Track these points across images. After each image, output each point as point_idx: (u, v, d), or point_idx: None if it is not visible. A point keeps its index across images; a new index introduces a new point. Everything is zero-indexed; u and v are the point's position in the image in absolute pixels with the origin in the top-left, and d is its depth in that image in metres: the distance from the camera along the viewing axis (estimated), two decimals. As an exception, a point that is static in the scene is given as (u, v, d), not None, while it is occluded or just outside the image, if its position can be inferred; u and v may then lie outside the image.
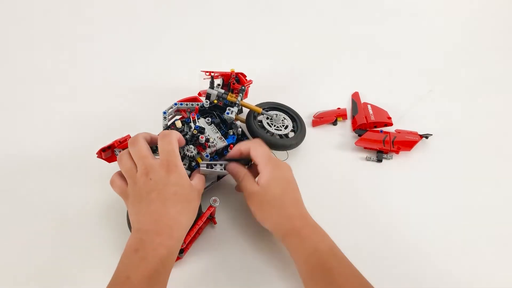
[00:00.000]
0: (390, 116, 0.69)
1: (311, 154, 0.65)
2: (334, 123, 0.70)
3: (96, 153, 0.53)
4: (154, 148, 0.50)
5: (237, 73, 0.65)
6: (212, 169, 0.52)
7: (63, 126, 0.68)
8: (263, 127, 0.62)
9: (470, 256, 0.53)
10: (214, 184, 0.57)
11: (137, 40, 0.88)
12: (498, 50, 0.89)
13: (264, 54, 0.87)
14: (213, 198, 0.50)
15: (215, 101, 0.60)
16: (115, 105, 0.72)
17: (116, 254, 0.47)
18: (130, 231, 0.49)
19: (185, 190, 0.45)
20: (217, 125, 0.59)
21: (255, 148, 0.51)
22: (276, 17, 0.97)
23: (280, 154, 0.63)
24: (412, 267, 0.51)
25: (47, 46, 0.85)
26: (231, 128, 0.59)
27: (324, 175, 0.62)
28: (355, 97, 0.75)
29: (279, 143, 0.60)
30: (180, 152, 0.53)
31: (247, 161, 0.56)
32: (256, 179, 0.51)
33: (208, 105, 0.60)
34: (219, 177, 0.57)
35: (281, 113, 0.65)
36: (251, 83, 0.66)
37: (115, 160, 0.54)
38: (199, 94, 0.68)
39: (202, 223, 0.49)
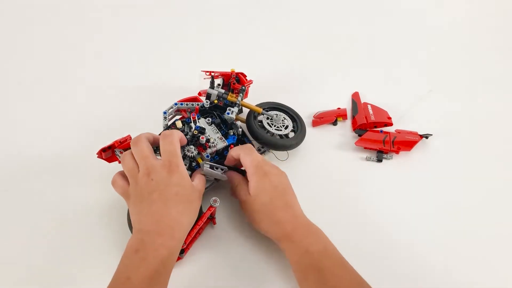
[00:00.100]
0: (390, 116, 0.69)
1: (311, 154, 0.65)
2: (334, 123, 0.70)
3: (97, 153, 0.53)
4: (154, 149, 0.50)
5: (237, 73, 0.65)
6: (215, 171, 0.52)
7: (63, 126, 0.68)
8: (263, 127, 0.62)
9: (470, 256, 0.53)
10: (213, 184, 0.57)
11: (137, 40, 0.88)
12: (498, 50, 0.89)
13: (264, 54, 0.86)
14: (214, 198, 0.50)
15: (216, 101, 0.60)
16: (115, 105, 0.72)
17: (116, 254, 0.47)
18: (131, 231, 0.49)
19: (187, 190, 0.45)
20: (217, 125, 0.59)
21: (244, 156, 0.51)
22: (276, 17, 0.97)
23: (280, 154, 0.63)
24: (412, 267, 0.51)
25: (47, 46, 0.85)
26: (232, 128, 0.59)
27: (324, 175, 0.62)
28: (355, 97, 0.75)
29: (279, 143, 0.60)
30: (180, 152, 0.54)
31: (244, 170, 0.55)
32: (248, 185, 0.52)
33: (208, 105, 0.60)
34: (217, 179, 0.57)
35: (281, 113, 0.65)
36: (251, 83, 0.66)
37: (116, 160, 0.54)
38: (199, 94, 0.68)
39: (202, 223, 0.49)
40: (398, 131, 0.67)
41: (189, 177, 0.47)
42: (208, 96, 0.61)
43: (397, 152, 0.65)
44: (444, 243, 0.54)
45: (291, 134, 0.63)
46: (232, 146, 0.56)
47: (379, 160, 0.64)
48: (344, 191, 0.60)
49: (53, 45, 0.85)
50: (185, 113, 0.62)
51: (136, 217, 0.44)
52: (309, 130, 0.67)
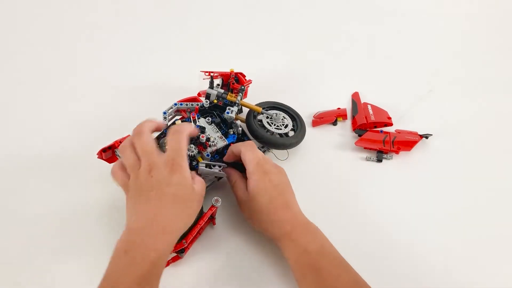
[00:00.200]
0: (390, 116, 0.70)
1: (311, 154, 0.65)
2: (334, 123, 0.70)
3: (97, 154, 0.53)
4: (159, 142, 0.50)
5: (236, 73, 0.65)
6: (211, 170, 0.51)
7: (63, 126, 0.67)
8: (263, 126, 0.62)
9: (470, 256, 0.53)
10: (214, 183, 0.57)
11: (137, 40, 0.88)
12: (498, 50, 0.89)
13: (264, 54, 0.87)
14: (215, 198, 0.50)
15: (215, 101, 0.60)
16: (115, 105, 0.72)
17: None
18: None
19: (186, 192, 0.44)
20: (217, 125, 0.59)
21: (245, 152, 0.51)
22: (276, 17, 0.97)
23: (280, 154, 0.63)
24: (411, 267, 0.51)
25: (47, 46, 0.85)
26: (231, 128, 0.59)
27: (324, 175, 0.62)
28: (355, 97, 0.75)
29: (279, 142, 0.60)
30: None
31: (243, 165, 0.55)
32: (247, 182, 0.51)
33: (208, 105, 0.60)
34: (218, 178, 0.57)
35: (280, 112, 0.65)
36: (251, 82, 0.66)
37: (116, 160, 0.54)
38: (199, 94, 0.68)
39: (203, 223, 0.49)
40: (398, 131, 0.67)
41: (191, 179, 0.45)
42: (208, 96, 0.61)
43: (397, 152, 0.65)
44: (444, 243, 0.54)
45: (291, 133, 0.63)
46: (232, 145, 0.56)
47: (379, 160, 0.64)
48: (344, 191, 0.60)
49: (53, 45, 0.85)
50: (185, 113, 0.62)
51: (131, 212, 0.43)
52: (309, 130, 0.67)
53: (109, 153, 0.54)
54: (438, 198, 0.60)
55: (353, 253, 0.46)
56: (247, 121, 0.62)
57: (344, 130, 0.70)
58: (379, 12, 0.99)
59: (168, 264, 0.49)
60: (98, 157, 0.53)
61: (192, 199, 0.44)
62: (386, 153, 0.65)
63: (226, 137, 0.57)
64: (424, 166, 0.64)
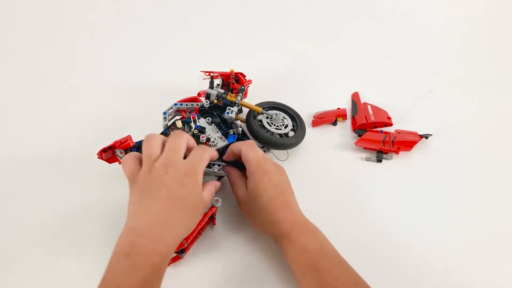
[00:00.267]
0: (390, 116, 0.70)
1: (311, 154, 0.65)
2: (334, 123, 0.70)
3: (97, 154, 0.53)
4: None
5: (236, 73, 0.65)
6: (210, 169, 0.52)
7: (63, 126, 0.68)
8: (263, 126, 0.62)
9: (470, 256, 0.53)
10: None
11: (137, 40, 0.88)
12: (498, 50, 0.89)
13: (264, 54, 0.87)
14: (215, 198, 0.49)
15: (215, 101, 0.60)
16: (115, 105, 0.72)
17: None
18: None
19: (195, 199, 0.43)
20: (217, 125, 0.59)
21: (245, 151, 0.50)
22: (276, 17, 0.97)
23: (280, 154, 0.63)
24: (411, 267, 0.51)
25: (47, 46, 0.85)
26: (232, 128, 0.59)
27: (324, 175, 0.62)
28: (355, 97, 0.75)
29: (279, 142, 0.60)
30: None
31: (242, 163, 0.55)
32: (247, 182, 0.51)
33: (208, 105, 0.60)
34: (219, 177, 0.57)
35: (280, 113, 0.65)
36: (251, 82, 0.66)
37: (116, 160, 0.54)
38: (199, 94, 0.68)
39: (203, 223, 0.49)
40: (398, 131, 0.67)
41: (201, 189, 0.44)
42: (208, 96, 0.61)
43: (397, 152, 0.65)
44: (444, 243, 0.54)
45: (291, 133, 0.63)
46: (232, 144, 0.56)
47: (379, 160, 0.64)
48: (344, 191, 0.60)
49: (53, 45, 0.85)
50: (185, 113, 0.62)
51: (135, 209, 0.41)
52: (309, 130, 0.67)
53: (109, 153, 0.54)
54: (438, 198, 0.60)
55: (353, 253, 0.46)
56: (247, 121, 0.62)
57: (344, 130, 0.70)
58: (379, 12, 0.99)
59: (168, 264, 0.49)
60: (98, 157, 0.53)
61: (199, 208, 0.44)
62: (386, 153, 0.65)
63: (226, 137, 0.57)
64: (424, 166, 0.64)
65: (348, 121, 0.71)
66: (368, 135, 0.66)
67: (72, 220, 0.54)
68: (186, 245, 0.47)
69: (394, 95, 0.76)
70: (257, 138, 0.60)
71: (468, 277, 0.51)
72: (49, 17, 0.92)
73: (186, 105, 0.61)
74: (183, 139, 0.45)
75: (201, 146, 0.47)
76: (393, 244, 0.54)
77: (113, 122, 0.68)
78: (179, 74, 0.78)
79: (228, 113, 0.58)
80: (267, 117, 0.63)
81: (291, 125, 0.64)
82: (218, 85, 0.64)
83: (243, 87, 0.62)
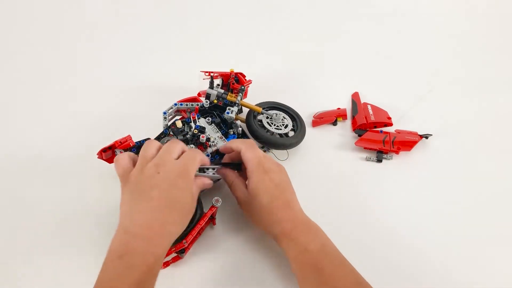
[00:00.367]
0: (390, 116, 0.70)
1: (311, 154, 0.65)
2: (334, 123, 0.70)
3: (97, 154, 0.53)
4: None
5: (236, 73, 0.65)
6: (205, 173, 0.50)
7: (63, 126, 0.68)
8: (263, 126, 0.62)
9: (470, 256, 0.53)
10: (214, 184, 0.57)
11: (137, 40, 0.88)
12: (498, 50, 0.90)
13: (264, 54, 0.87)
14: (216, 198, 0.49)
15: (215, 101, 0.60)
16: (115, 105, 0.72)
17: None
18: None
19: (187, 199, 0.43)
20: (217, 125, 0.59)
21: (246, 151, 0.50)
22: (276, 17, 0.97)
23: (280, 154, 0.63)
24: (411, 267, 0.51)
25: (47, 46, 0.85)
26: (232, 128, 0.59)
27: (324, 175, 0.62)
28: (355, 97, 0.75)
29: (279, 142, 0.60)
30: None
31: (238, 164, 0.54)
32: (247, 182, 0.51)
33: (208, 105, 0.60)
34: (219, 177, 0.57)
35: (280, 113, 0.65)
36: (251, 83, 0.66)
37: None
38: (199, 94, 0.68)
39: (203, 223, 0.49)
40: (398, 131, 0.67)
41: (192, 190, 0.44)
42: (208, 96, 0.61)
43: (397, 152, 0.65)
44: (444, 243, 0.54)
45: (291, 133, 0.63)
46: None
47: (379, 160, 0.64)
48: (344, 191, 0.60)
49: (53, 45, 0.85)
50: (185, 113, 0.62)
51: (126, 211, 0.41)
52: (309, 130, 0.67)
53: (109, 153, 0.54)
54: (438, 198, 0.60)
55: (353, 253, 0.46)
56: (247, 121, 0.62)
57: (344, 130, 0.70)
58: (379, 12, 0.99)
59: (168, 264, 0.49)
60: (98, 157, 0.53)
61: (191, 208, 0.44)
62: (386, 153, 0.65)
63: (226, 137, 0.57)
64: (424, 166, 0.64)
65: (348, 121, 0.71)
66: (368, 135, 0.66)
67: (72, 220, 0.54)
68: (186, 245, 0.47)
69: (394, 95, 0.76)
70: (257, 138, 0.60)
71: (468, 277, 0.51)
72: (49, 17, 0.92)
73: (186, 105, 0.61)
74: (179, 144, 0.46)
75: (192, 149, 0.47)
76: (393, 244, 0.54)
77: (113, 122, 0.68)
78: (179, 74, 0.78)
79: (228, 113, 0.58)
80: (267, 117, 0.63)
81: (291, 125, 0.64)
82: (218, 85, 0.64)
83: (243, 87, 0.62)
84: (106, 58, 0.83)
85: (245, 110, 0.65)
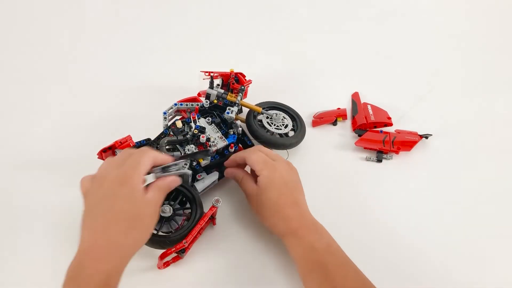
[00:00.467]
0: (390, 116, 0.70)
1: (311, 154, 0.65)
2: (334, 123, 0.70)
3: (97, 154, 0.53)
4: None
5: (236, 73, 0.65)
6: (169, 173, 0.44)
7: (63, 126, 0.67)
8: (263, 126, 0.62)
9: (470, 255, 0.53)
10: (214, 184, 0.57)
11: (136, 40, 0.88)
12: (498, 50, 0.89)
13: (264, 54, 0.86)
14: (216, 198, 0.50)
15: (215, 101, 0.60)
16: (115, 105, 0.72)
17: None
18: None
19: (135, 205, 0.40)
20: (217, 125, 0.59)
21: (249, 156, 0.51)
22: (276, 17, 0.97)
23: (280, 154, 0.63)
24: (411, 267, 0.52)
25: (47, 46, 0.85)
26: (232, 128, 0.59)
27: (324, 175, 0.62)
28: (355, 97, 0.75)
29: (279, 142, 0.60)
30: (180, 152, 0.53)
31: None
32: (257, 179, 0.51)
33: (208, 105, 0.60)
34: (219, 177, 0.57)
35: (280, 112, 0.65)
36: (250, 83, 0.66)
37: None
38: (199, 94, 0.68)
39: (204, 223, 0.49)
40: (398, 131, 0.67)
41: (141, 192, 0.41)
42: (208, 96, 0.61)
43: (397, 152, 0.65)
44: (444, 243, 0.54)
45: (291, 133, 0.63)
46: (232, 145, 0.56)
47: (379, 160, 0.64)
48: (344, 191, 0.60)
49: (53, 45, 0.85)
50: (185, 113, 0.62)
51: (81, 231, 0.40)
52: (309, 130, 0.67)
53: (109, 153, 0.54)
54: (438, 198, 0.60)
55: (353, 253, 0.46)
56: (247, 121, 0.62)
57: (344, 130, 0.70)
58: (379, 12, 0.99)
59: (168, 264, 0.49)
60: (98, 157, 0.53)
61: (143, 214, 0.41)
62: (386, 153, 0.65)
63: (226, 137, 0.57)
64: (424, 166, 0.64)
65: (348, 121, 0.71)
66: (368, 135, 0.66)
67: (72, 220, 0.54)
68: (186, 245, 0.47)
69: (394, 95, 0.76)
70: (257, 138, 0.60)
71: (468, 277, 0.51)
72: (49, 17, 0.92)
73: (186, 105, 0.61)
74: (125, 152, 0.43)
75: (140, 149, 0.44)
76: (393, 243, 0.54)
77: (113, 122, 0.68)
78: (179, 74, 0.78)
79: (228, 113, 0.58)
80: (267, 117, 0.63)
81: (291, 125, 0.64)
82: (218, 85, 0.64)
83: (243, 87, 0.62)
84: (106, 58, 0.83)
85: (245, 110, 0.64)
